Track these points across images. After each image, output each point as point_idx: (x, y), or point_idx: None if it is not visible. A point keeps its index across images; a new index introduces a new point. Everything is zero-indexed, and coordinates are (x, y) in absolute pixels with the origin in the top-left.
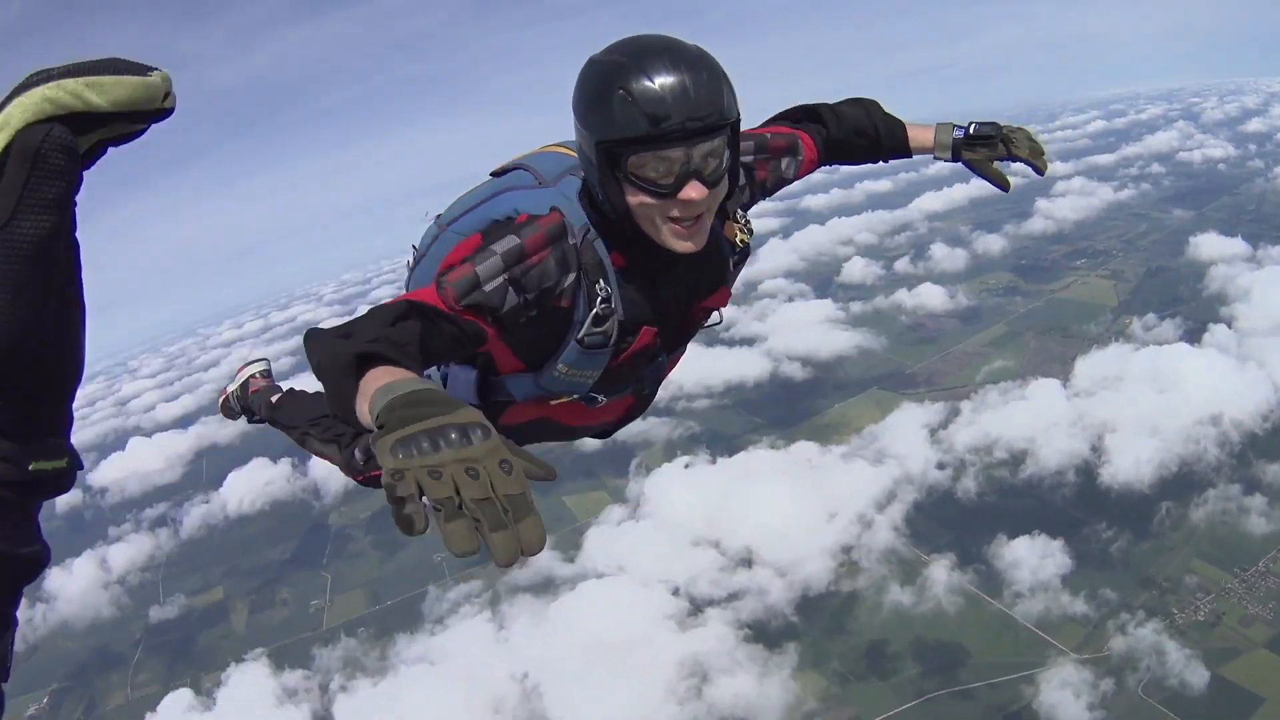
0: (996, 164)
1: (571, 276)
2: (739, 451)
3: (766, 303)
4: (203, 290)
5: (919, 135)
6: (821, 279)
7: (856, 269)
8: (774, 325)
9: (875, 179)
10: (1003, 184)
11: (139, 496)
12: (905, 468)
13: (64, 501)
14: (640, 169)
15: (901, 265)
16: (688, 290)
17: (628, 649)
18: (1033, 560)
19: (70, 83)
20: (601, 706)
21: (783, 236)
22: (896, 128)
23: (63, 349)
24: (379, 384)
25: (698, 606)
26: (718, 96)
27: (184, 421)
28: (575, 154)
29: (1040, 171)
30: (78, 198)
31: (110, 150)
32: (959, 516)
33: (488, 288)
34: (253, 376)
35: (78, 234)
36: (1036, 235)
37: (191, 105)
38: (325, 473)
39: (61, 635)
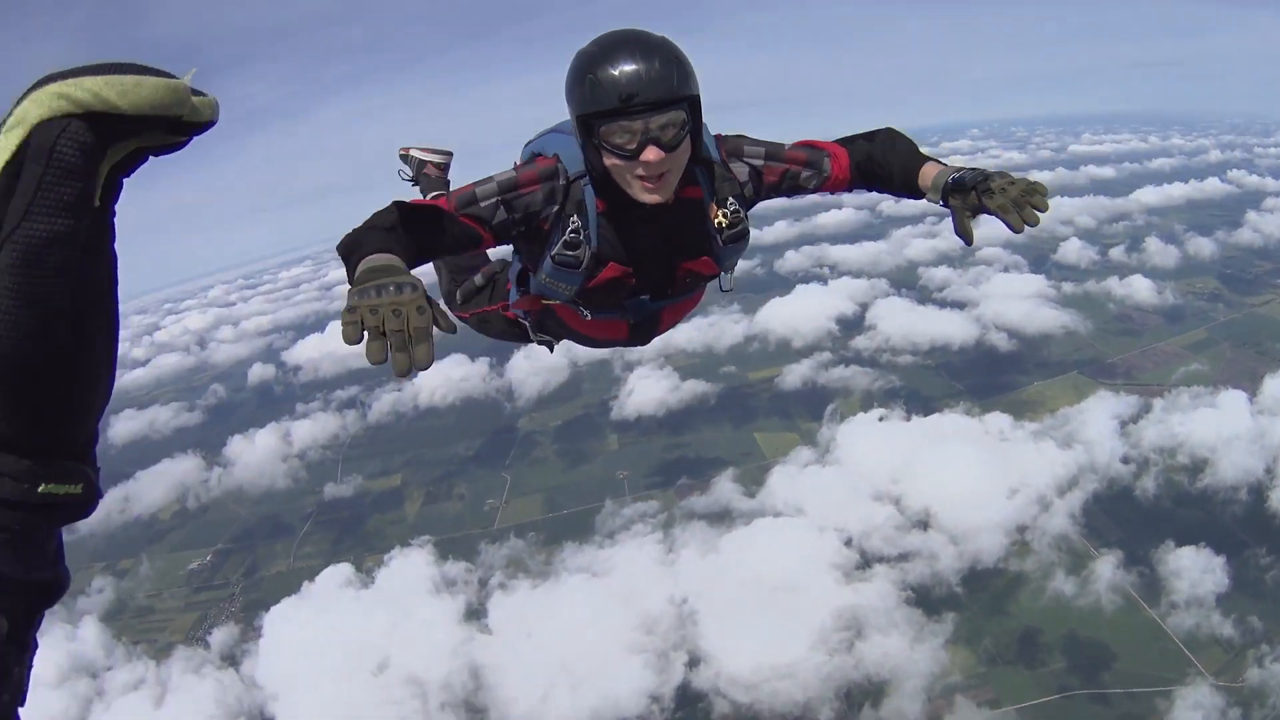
0: (973, 215)
1: (554, 208)
2: (934, 413)
3: (982, 269)
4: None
5: (926, 173)
6: (1038, 255)
7: (1072, 250)
8: (986, 293)
9: (1100, 165)
10: (965, 237)
11: (331, 378)
12: (1091, 456)
13: (256, 374)
14: (610, 137)
15: (1116, 253)
16: (666, 247)
17: (789, 591)
18: (1194, 573)
19: (88, 80)
20: (752, 644)
21: None
22: (912, 167)
23: (82, 367)
24: (364, 264)
25: (867, 561)
26: (670, 78)
27: None
28: None
29: (1012, 228)
30: (117, 205)
31: (153, 159)
32: (1133, 515)
33: (482, 204)
34: (433, 163)
35: (116, 245)
36: (1244, 246)
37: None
38: (522, 377)
39: (233, 500)
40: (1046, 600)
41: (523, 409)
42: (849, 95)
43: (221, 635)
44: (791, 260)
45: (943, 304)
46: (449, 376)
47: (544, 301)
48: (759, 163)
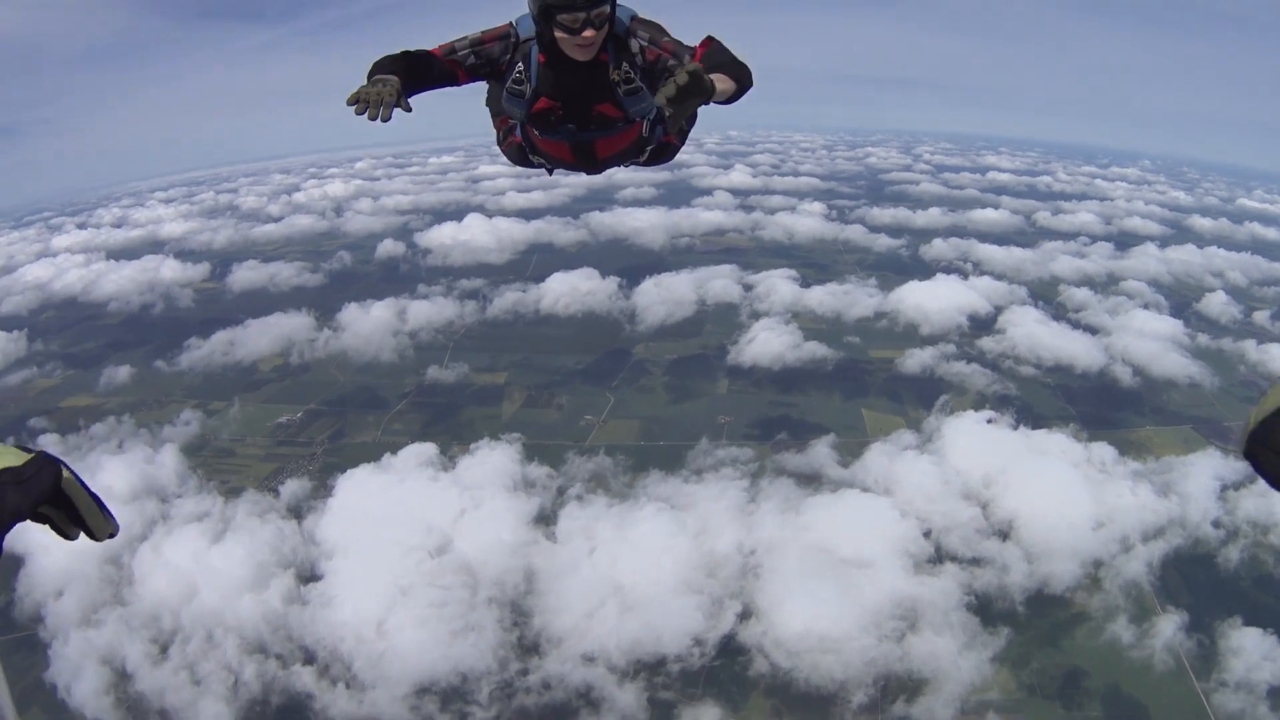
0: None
1: (507, 57)
2: (1041, 428)
3: (1122, 300)
4: None
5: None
6: (1181, 300)
7: (1217, 303)
8: (1121, 324)
9: (1265, 224)
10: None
11: (458, 267)
12: (1184, 511)
13: (385, 249)
14: (562, 18)
15: (1260, 317)
16: (583, 92)
17: (857, 567)
18: (1254, 657)
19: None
20: (806, 610)
21: (1159, 245)
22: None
23: None
24: (374, 72)
25: (939, 556)
26: None
27: (528, 214)
28: None
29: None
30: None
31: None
32: (1209, 581)
33: (459, 52)
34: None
35: None
36: None
37: None
38: (648, 303)
39: (335, 364)
40: (1101, 643)
41: (640, 335)
42: (1023, 97)
43: (293, 487)
44: (937, 248)
45: (1076, 325)
46: (575, 288)
47: (509, 121)
48: (645, 44)
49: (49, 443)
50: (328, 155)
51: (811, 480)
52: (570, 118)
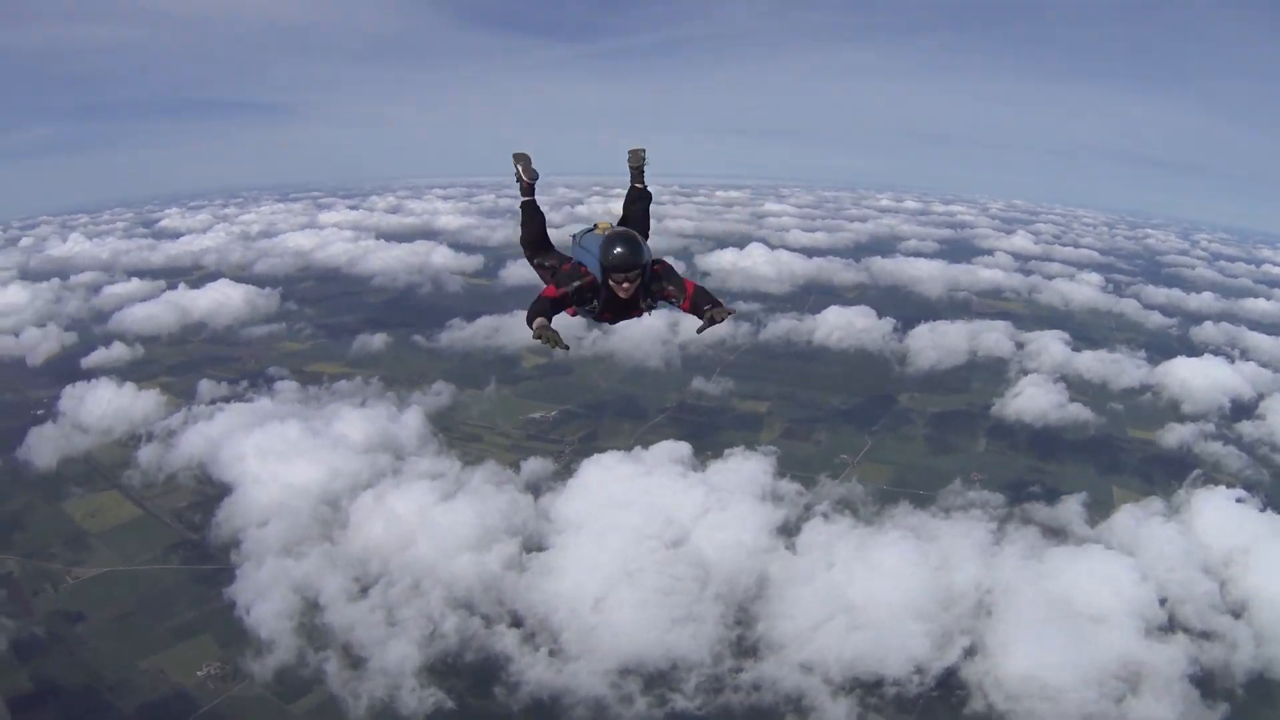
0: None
1: (589, 294)
2: None
3: None
4: (882, 157)
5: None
6: None
7: None
8: None
9: None
10: (700, 329)
11: (736, 290)
12: None
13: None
14: (612, 275)
15: None
16: (623, 308)
17: (1088, 622)
18: None
19: None
20: (1032, 656)
21: None
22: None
23: None
24: (535, 323)
25: (1172, 625)
26: (636, 258)
27: (810, 251)
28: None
29: (699, 329)
30: None
31: None
32: None
33: (570, 297)
34: (524, 178)
35: None
36: None
37: None
38: (920, 347)
39: (601, 365)
40: None
41: (908, 380)
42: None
43: (534, 465)
44: (1207, 331)
45: None
46: (851, 323)
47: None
48: (660, 289)
49: (288, 389)
50: (613, 178)
51: (1057, 533)
52: (613, 319)
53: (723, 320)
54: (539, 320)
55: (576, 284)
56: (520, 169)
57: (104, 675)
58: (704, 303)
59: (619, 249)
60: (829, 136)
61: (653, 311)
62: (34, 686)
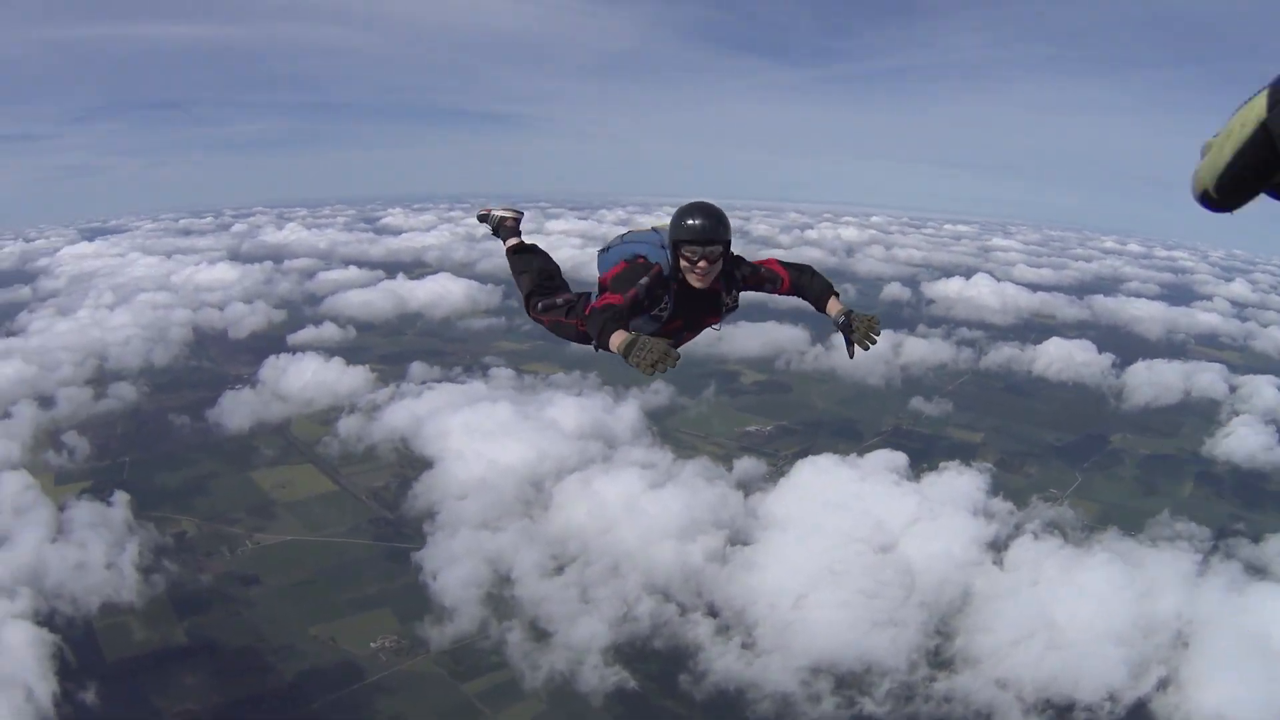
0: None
1: (659, 290)
2: None
3: None
4: (1106, 197)
5: (831, 306)
6: None
7: None
8: None
9: None
10: (849, 353)
11: (960, 318)
12: None
13: (890, 291)
14: (685, 252)
15: None
16: (699, 310)
17: None
18: None
19: None
20: (1225, 693)
21: None
22: (824, 298)
23: None
24: (619, 339)
25: None
26: (719, 229)
27: (1035, 286)
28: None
29: (850, 355)
30: None
31: None
32: None
33: (641, 301)
34: (507, 218)
35: None
36: None
37: None
38: (1137, 384)
39: (821, 380)
40: None
41: (1124, 418)
42: None
43: (747, 465)
44: None
45: None
46: (1071, 356)
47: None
48: (747, 274)
49: (502, 376)
50: (841, 206)
51: (1260, 570)
52: (686, 328)
53: (877, 338)
54: (640, 338)
55: (646, 280)
56: (498, 215)
57: (269, 638)
58: (817, 289)
59: (697, 218)
60: (1054, 174)
61: (732, 312)
62: (188, 640)
